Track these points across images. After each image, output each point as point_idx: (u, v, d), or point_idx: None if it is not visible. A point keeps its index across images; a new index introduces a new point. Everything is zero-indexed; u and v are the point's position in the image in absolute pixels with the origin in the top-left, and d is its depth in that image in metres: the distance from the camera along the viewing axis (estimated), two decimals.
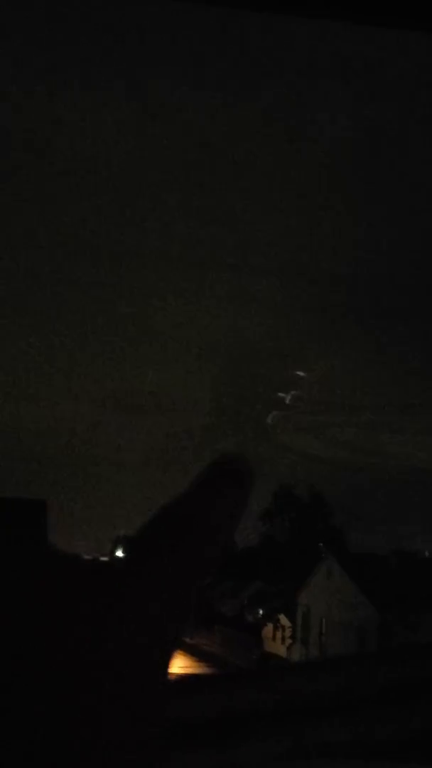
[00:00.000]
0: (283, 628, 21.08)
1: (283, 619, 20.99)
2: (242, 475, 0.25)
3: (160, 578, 0.22)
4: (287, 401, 13.09)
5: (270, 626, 22.39)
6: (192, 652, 22.96)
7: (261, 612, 23.46)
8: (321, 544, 18.51)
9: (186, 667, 20.72)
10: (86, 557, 0.23)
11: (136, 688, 0.19)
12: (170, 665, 0.22)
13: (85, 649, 0.18)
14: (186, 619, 0.23)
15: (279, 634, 21.83)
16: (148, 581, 0.22)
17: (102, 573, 0.22)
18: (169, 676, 0.21)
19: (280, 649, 21.35)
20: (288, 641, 20.48)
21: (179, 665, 21.98)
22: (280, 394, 13.05)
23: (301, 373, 13.37)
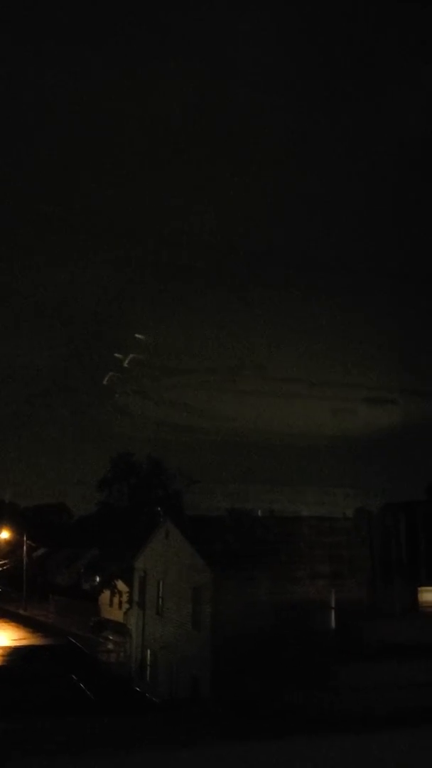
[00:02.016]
0: (120, 593, 21.10)
1: (121, 585, 20.98)
2: None
3: None
4: (125, 364, 12.98)
5: (107, 593, 22.34)
6: (26, 623, 22.47)
7: (97, 579, 23.34)
8: (159, 509, 18.62)
9: (21, 639, 20.25)
10: None
11: None
12: None
13: None
14: None
15: (116, 600, 21.81)
16: None
17: None
18: None
19: (118, 615, 21.38)
20: (125, 606, 20.52)
21: (13, 638, 21.25)
22: (117, 356, 12.92)
23: (139, 336, 13.30)
